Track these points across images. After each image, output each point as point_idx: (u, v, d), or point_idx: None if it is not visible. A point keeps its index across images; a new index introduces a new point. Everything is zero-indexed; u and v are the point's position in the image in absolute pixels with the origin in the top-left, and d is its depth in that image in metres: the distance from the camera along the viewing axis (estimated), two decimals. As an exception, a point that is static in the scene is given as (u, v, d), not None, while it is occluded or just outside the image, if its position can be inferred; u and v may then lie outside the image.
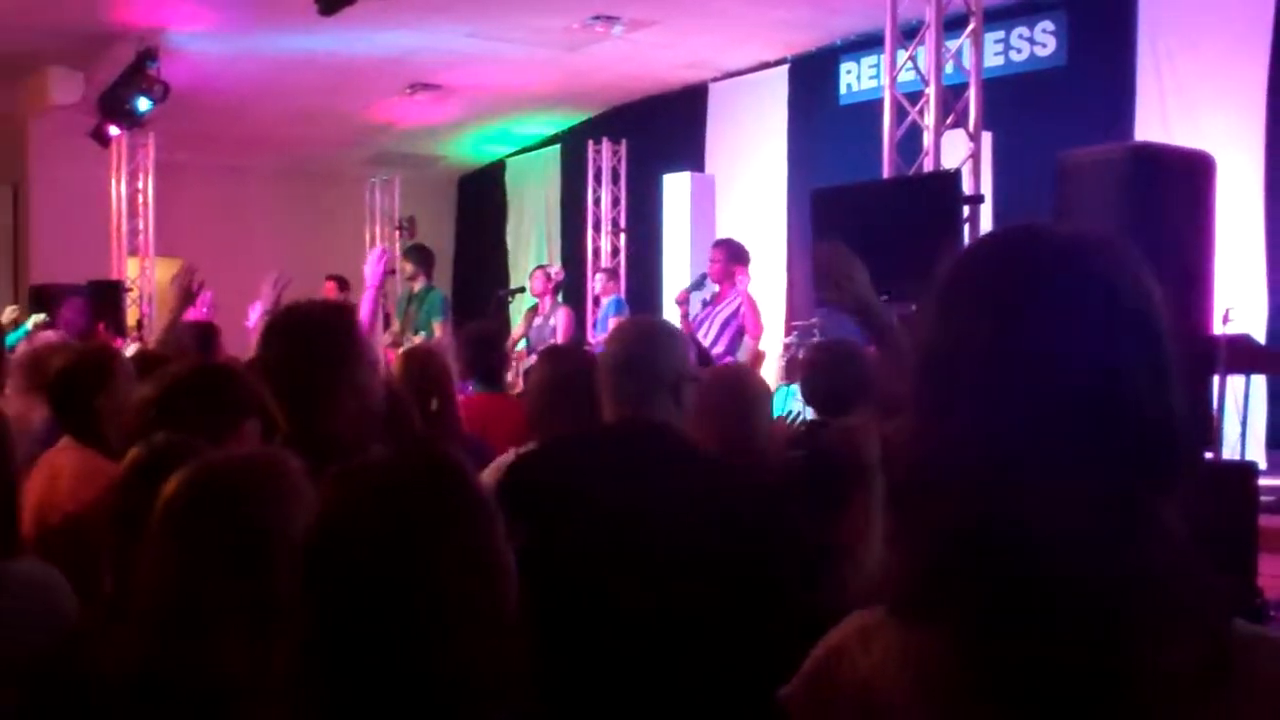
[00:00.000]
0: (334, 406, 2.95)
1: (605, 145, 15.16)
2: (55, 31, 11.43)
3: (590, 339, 12.37)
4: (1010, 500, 1.23)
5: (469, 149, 17.19)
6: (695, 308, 9.11)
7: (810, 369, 4.41)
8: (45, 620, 2.50)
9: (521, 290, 11.58)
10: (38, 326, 8.45)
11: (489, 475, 4.19)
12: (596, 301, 13.20)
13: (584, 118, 15.81)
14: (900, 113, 7.78)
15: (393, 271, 13.33)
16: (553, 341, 10.71)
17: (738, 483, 2.93)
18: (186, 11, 11.00)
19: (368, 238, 16.33)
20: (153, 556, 2.16)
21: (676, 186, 13.02)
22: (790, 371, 11.94)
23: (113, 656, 2.19)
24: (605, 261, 14.92)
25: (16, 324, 8.54)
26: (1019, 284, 1.31)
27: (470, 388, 5.67)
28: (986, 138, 8.01)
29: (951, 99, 7.64)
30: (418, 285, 11.07)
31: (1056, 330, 1.26)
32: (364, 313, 5.92)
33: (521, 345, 10.98)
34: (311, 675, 1.65)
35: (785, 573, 2.68)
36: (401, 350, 5.48)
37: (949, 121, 7.59)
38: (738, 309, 8.82)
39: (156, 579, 2.16)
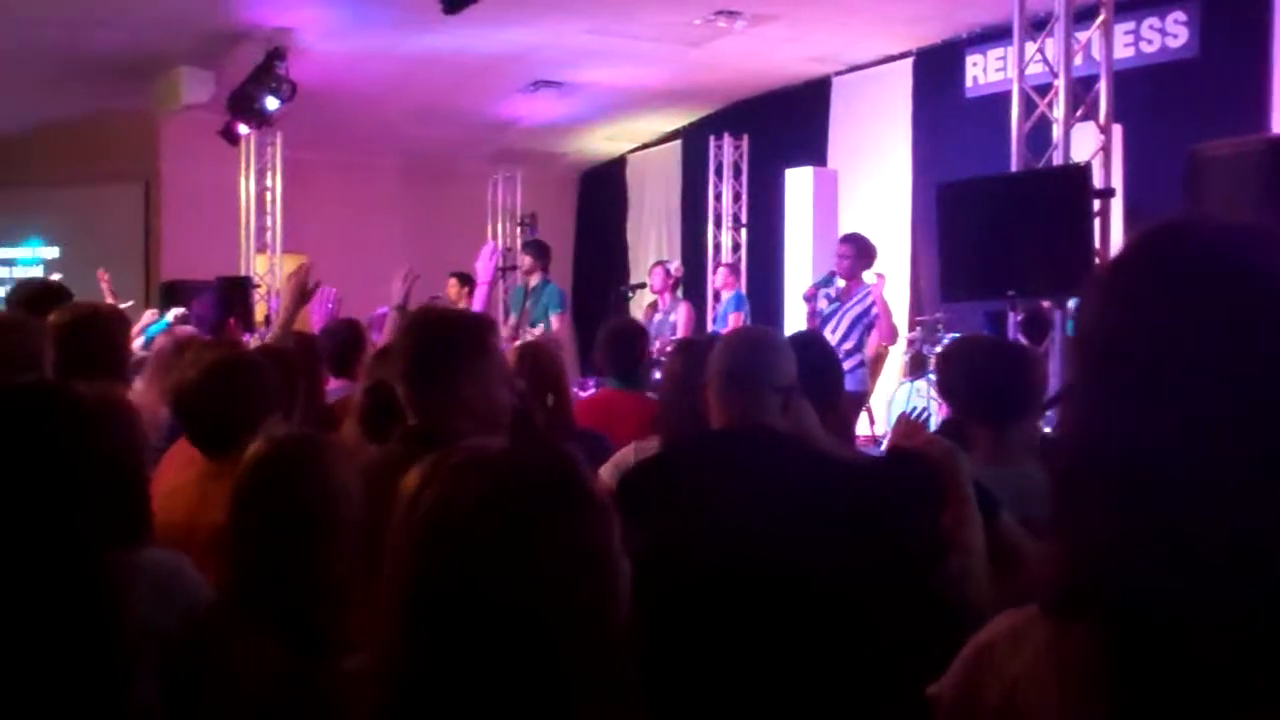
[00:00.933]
0: (461, 403, 2.97)
1: (727, 140, 15.08)
2: (186, 32, 11.64)
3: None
4: (1173, 497, 1.19)
5: (590, 145, 17.22)
6: (822, 304, 8.96)
7: (949, 365, 4.29)
8: (175, 606, 2.52)
9: (641, 286, 11.55)
10: (178, 320, 8.60)
11: (606, 471, 4.18)
12: (717, 297, 13.16)
13: (705, 113, 15.75)
14: (1029, 105, 7.61)
15: (513, 267, 13.43)
16: (673, 337, 10.68)
17: (860, 481, 2.87)
18: (314, 11, 11.14)
19: (489, 234, 16.44)
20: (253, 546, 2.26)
21: (799, 181, 12.89)
22: (914, 367, 11.79)
23: (235, 645, 2.26)
24: (726, 257, 14.86)
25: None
26: (1182, 277, 1.25)
27: (592, 384, 5.63)
28: (1116, 130, 7.80)
29: (1081, 91, 7.47)
30: (534, 279, 11.11)
31: (1221, 325, 1.21)
32: (476, 308, 5.93)
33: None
34: (409, 666, 1.61)
35: (911, 568, 2.61)
36: (515, 344, 5.46)
37: (1079, 114, 7.42)
38: (869, 307, 8.66)
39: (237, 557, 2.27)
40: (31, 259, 15.52)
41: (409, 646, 1.61)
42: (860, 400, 8.79)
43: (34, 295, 5.20)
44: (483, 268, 5.80)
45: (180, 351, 5.06)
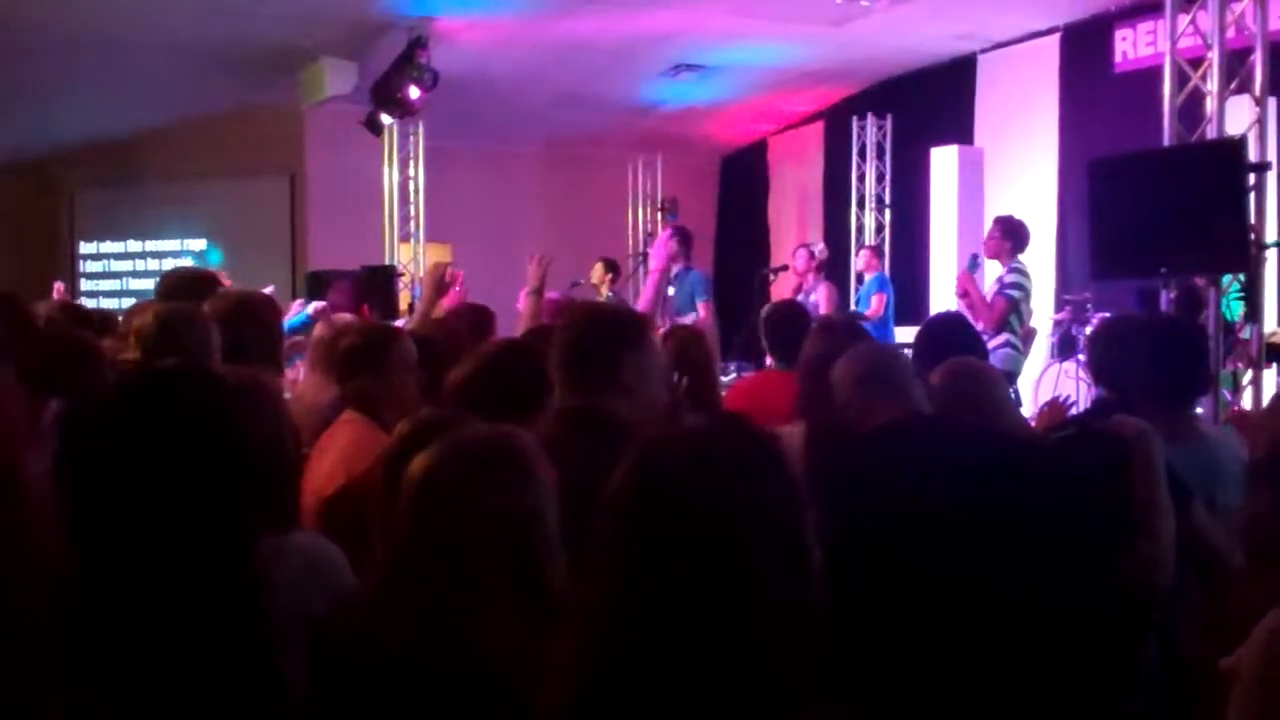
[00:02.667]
0: (617, 388, 2.99)
1: (870, 120, 14.87)
2: (329, 23, 11.80)
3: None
4: None
5: (731, 128, 17.09)
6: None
7: (1112, 346, 4.15)
8: (323, 591, 2.54)
9: (784, 268, 11.45)
10: (317, 313, 8.72)
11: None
12: (859, 279, 12.98)
13: (848, 93, 15.54)
14: (1181, 78, 7.33)
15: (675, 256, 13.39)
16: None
17: (1047, 462, 2.78)
18: (455, 0, 11.19)
19: (630, 219, 16.42)
20: (403, 531, 2.20)
21: (944, 161, 12.65)
22: (1063, 348, 11.51)
23: (381, 632, 2.23)
24: (869, 239, 14.66)
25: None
26: None
27: (734, 368, 5.58)
28: (1272, 103, 7.52)
29: (1235, 63, 7.20)
30: (677, 267, 11.08)
31: None
32: (646, 295, 5.91)
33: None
34: (605, 649, 1.59)
35: (1096, 552, 2.52)
36: (663, 331, 5.43)
37: (1233, 87, 7.16)
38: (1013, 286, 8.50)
39: (411, 553, 2.19)
40: (180, 251, 15.87)
41: (608, 620, 1.59)
42: (1007, 380, 8.61)
43: (184, 284, 5.23)
44: (656, 255, 5.79)
45: (340, 337, 5.13)
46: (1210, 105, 7.07)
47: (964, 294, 8.62)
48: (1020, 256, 8.93)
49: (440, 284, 5.72)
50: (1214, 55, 7.04)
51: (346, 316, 5.65)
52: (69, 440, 2.27)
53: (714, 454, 1.60)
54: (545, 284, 5.98)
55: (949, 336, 4.08)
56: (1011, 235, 8.63)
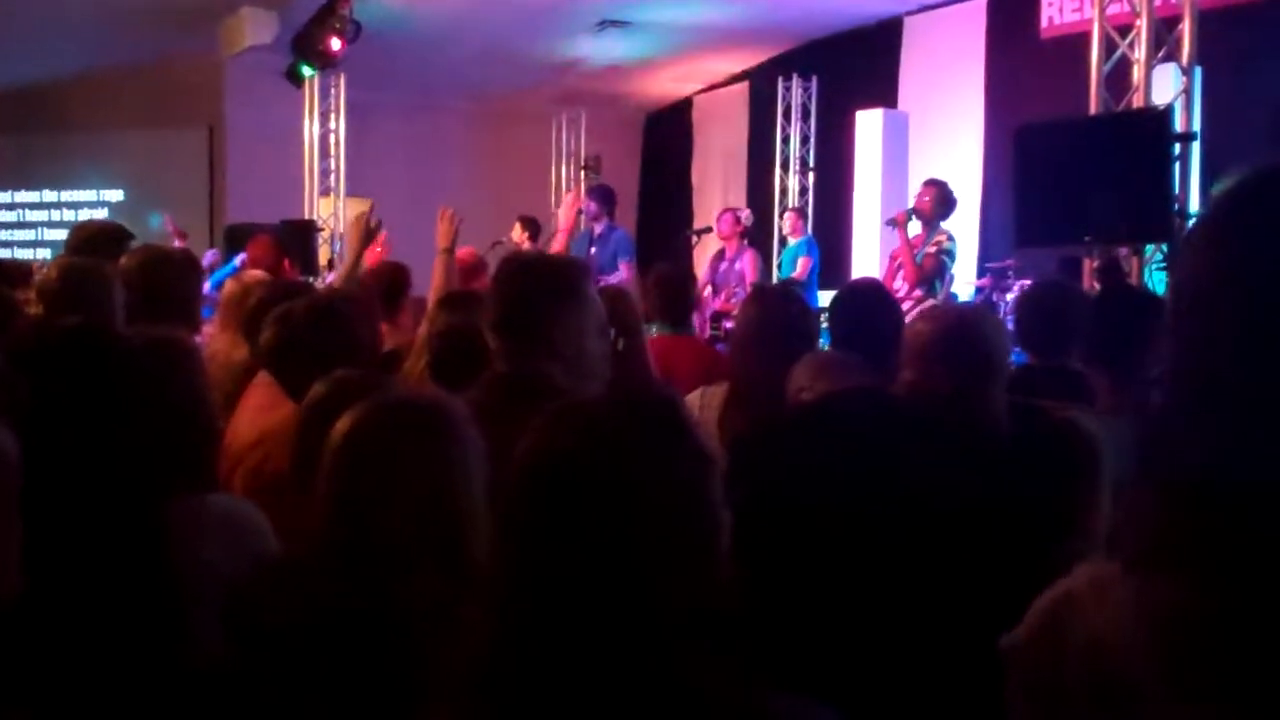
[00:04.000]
0: (551, 349, 2.90)
1: (795, 82, 14.85)
2: (251, -28, 11.57)
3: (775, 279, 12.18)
4: (1266, 446, 1.17)
5: (656, 86, 17.01)
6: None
7: (1023, 309, 4.15)
8: (243, 552, 2.48)
9: (708, 230, 11.39)
10: (242, 265, 8.58)
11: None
12: (783, 242, 12.97)
13: (774, 53, 15.50)
14: (1109, 46, 7.35)
15: (578, 212, 13.29)
16: (737, 287, 10.57)
17: (973, 451, 2.74)
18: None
19: (554, 176, 16.32)
20: (327, 494, 2.16)
21: (868, 124, 12.64)
22: (985, 315, 11.57)
23: (301, 592, 2.19)
24: (793, 201, 14.67)
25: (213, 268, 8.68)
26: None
27: (654, 329, 5.54)
28: (1199, 73, 7.56)
29: (1164, 31, 7.24)
30: (600, 226, 11.00)
31: None
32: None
33: (708, 291, 10.83)
34: (509, 615, 1.59)
35: (1030, 543, 2.49)
36: (598, 289, 5.36)
37: (1160, 55, 7.19)
38: (941, 253, 8.51)
39: (334, 516, 2.16)
40: (95, 202, 15.56)
41: (511, 588, 1.59)
42: None
43: (95, 237, 5.11)
44: (565, 215, 5.70)
45: (247, 294, 5.03)
46: (1137, 74, 7.10)
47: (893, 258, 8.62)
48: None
49: (367, 233, 5.58)
50: (1142, 23, 7.08)
51: (258, 273, 5.50)
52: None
53: (616, 424, 1.59)
54: (458, 241, 5.87)
55: (865, 305, 4.07)
56: (945, 201, 8.63)
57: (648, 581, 1.53)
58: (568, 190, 15.68)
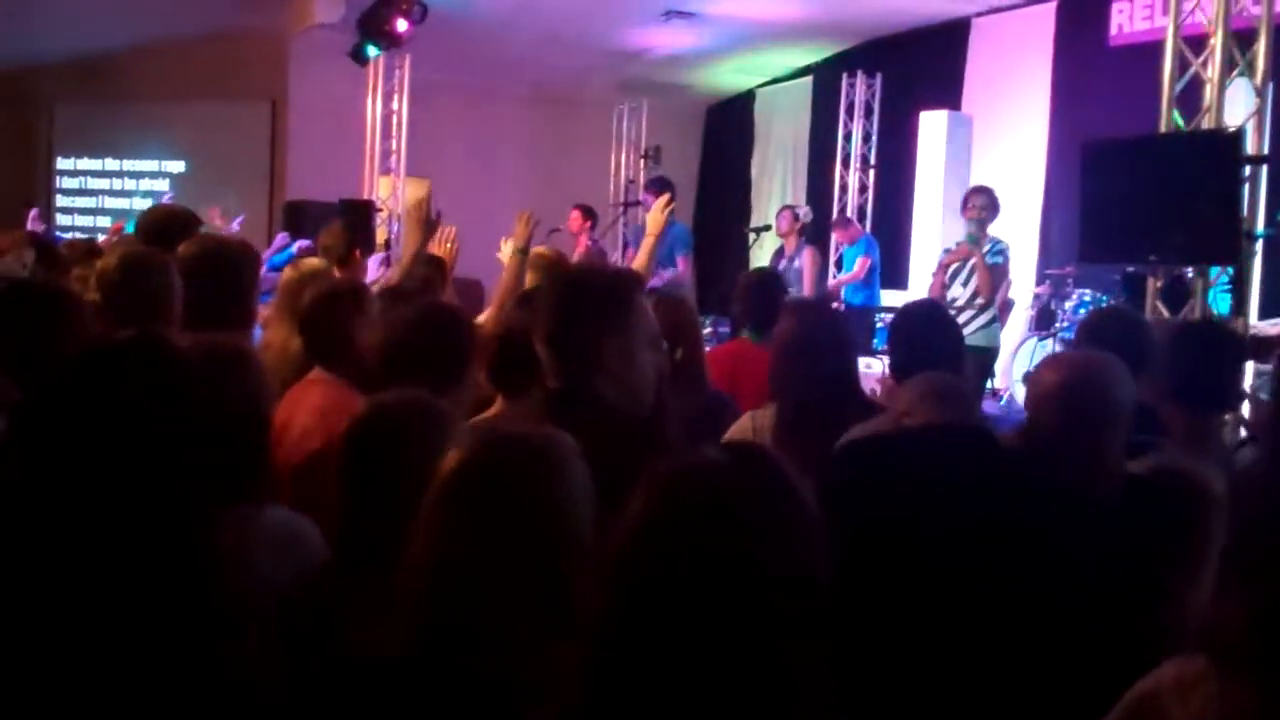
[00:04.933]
0: (601, 366, 2.87)
1: (859, 78, 14.73)
2: (321, -49, 11.61)
3: (833, 278, 12.13)
4: None
5: (719, 78, 16.94)
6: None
7: (1082, 338, 4.08)
8: (295, 566, 2.50)
9: (766, 229, 11.34)
10: (302, 252, 8.60)
11: (732, 435, 4.06)
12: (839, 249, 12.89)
13: (839, 49, 15.39)
14: (1182, 63, 7.19)
15: (636, 203, 13.29)
16: (798, 285, 10.53)
17: (1077, 508, 2.68)
18: (448, -66, 11.02)
19: (613, 164, 16.28)
20: (431, 532, 2.11)
21: (932, 125, 12.52)
22: (1041, 322, 11.47)
23: (379, 627, 2.16)
24: (853, 198, 14.58)
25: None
26: None
27: (744, 333, 5.52)
28: (1270, 90, 7.40)
29: (1239, 45, 7.07)
30: (663, 218, 10.99)
31: None
32: (640, 260, 5.80)
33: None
34: (614, 670, 1.61)
35: (1111, 600, 2.44)
36: (653, 298, 5.33)
37: (1234, 73, 7.04)
38: (1000, 259, 8.44)
39: (434, 556, 2.11)
40: (156, 172, 15.68)
41: (619, 644, 1.60)
42: (990, 356, 8.60)
43: (161, 224, 5.22)
44: (655, 220, 5.65)
45: (304, 285, 5.03)
46: (1209, 93, 6.96)
47: (944, 268, 8.53)
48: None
49: (426, 221, 5.56)
50: (1216, 42, 6.92)
51: (315, 262, 5.49)
52: (18, 422, 2.18)
53: (736, 495, 1.59)
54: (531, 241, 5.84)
55: (923, 329, 4.03)
56: (995, 206, 8.55)
57: (759, 649, 1.54)
58: (630, 180, 15.65)
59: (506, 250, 5.72)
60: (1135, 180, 6.62)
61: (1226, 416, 3.71)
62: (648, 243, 5.79)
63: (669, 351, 4.32)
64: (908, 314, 4.34)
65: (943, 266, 8.52)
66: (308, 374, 4.06)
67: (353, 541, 2.43)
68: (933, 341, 3.81)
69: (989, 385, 10.29)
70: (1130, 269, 7.79)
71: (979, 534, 2.48)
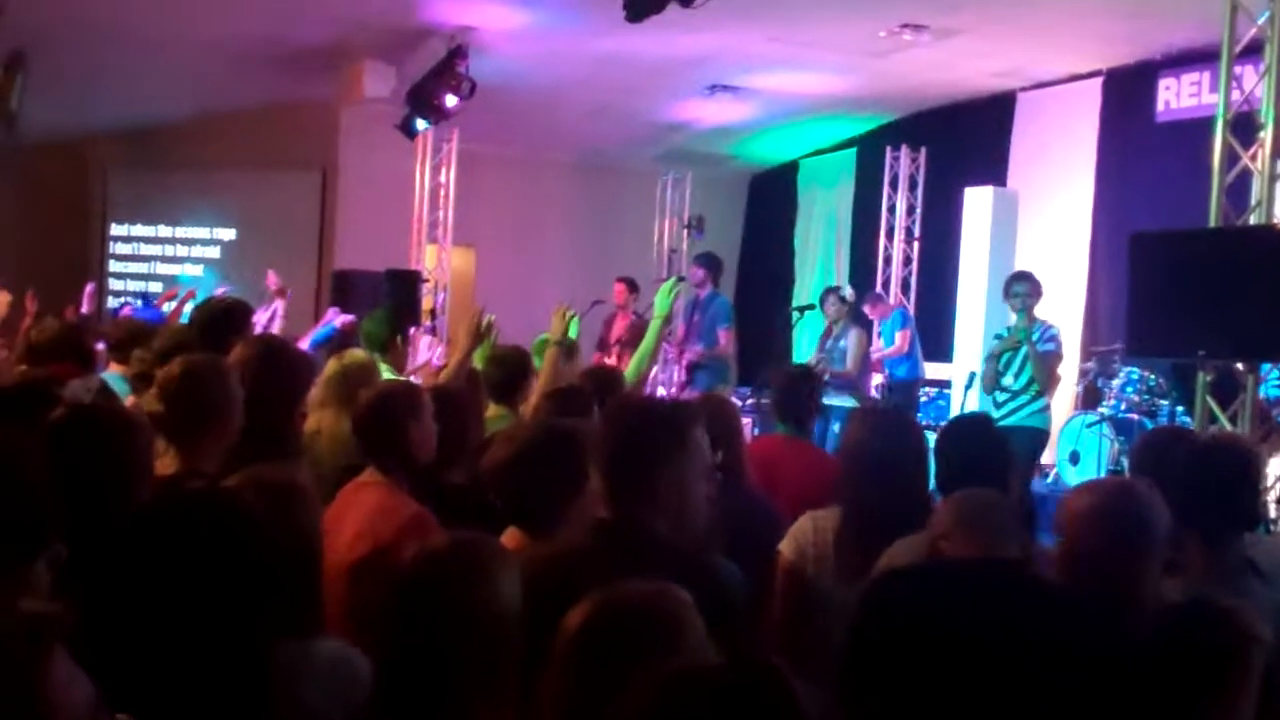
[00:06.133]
0: (654, 499, 2.91)
1: (904, 151, 14.79)
2: (373, 28, 11.80)
3: (874, 353, 12.13)
4: None
5: (762, 149, 17.04)
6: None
7: (1140, 457, 4.06)
8: (344, 704, 2.52)
9: (810, 308, 11.38)
10: (345, 326, 8.67)
11: (787, 546, 4.07)
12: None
13: (883, 121, 15.46)
14: (1231, 157, 7.16)
15: (681, 277, 13.34)
16: (842, 365, 10.57)
17: (1118, 647, 2.68)
18: (497, 12, 11.16)
19: (656, 233, 16.38)
20: (558, 690, 2.15)
21: (978, 201, 12.52)
22: (1088, 400, 11.43)
23: None
24: (897, 270, 14.61)
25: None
26: None
27: (778, 429, 5.56)
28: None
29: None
30: (704, 292, 11.11)
31: None
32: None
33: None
34: None
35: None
36: (699, 396, 5.39)
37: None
38: (1051, 344, 8.45)
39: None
40: (208, 240, 15.89)
41: None
42: (1043, 437, 8.60)
43: (216, 319, 5.44)
44: (659, 303, 5.74)
45: (349, 375, 5.12)
46: (1258, 187, 6.95)
47: (995, 357, 8.53)
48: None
49: (477, 332, 5.66)
50: (1266, 135, 6.91)
51: (359, 354, 5.57)
52: (84, 563, 2.24)
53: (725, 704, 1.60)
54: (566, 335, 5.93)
55: (974, 444, 4.03)
56: (1039, 291, 8.56)
57: None
58: (673, 250, 15.73)
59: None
60: (1184, 273, 6.61)
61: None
62: (654, 325, 5.88)
63: (710, 451, 4.37)
64: (956, 430, 4.35)
65: (994, 356, 8.52)
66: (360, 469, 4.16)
67: (399, 680, 2.45)
68: (980, 459, 3.82)
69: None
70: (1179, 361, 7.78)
71: (1008, 683, 2.49)
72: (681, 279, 10.26)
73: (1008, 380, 8.38)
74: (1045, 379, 8.33)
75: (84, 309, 8.79)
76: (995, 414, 8.50)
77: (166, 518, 2.31)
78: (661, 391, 13.11)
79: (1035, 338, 8.34)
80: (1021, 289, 8.48)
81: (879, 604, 3.04)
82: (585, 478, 3.28)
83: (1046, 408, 8.45)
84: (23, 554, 2.17)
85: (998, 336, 8.81)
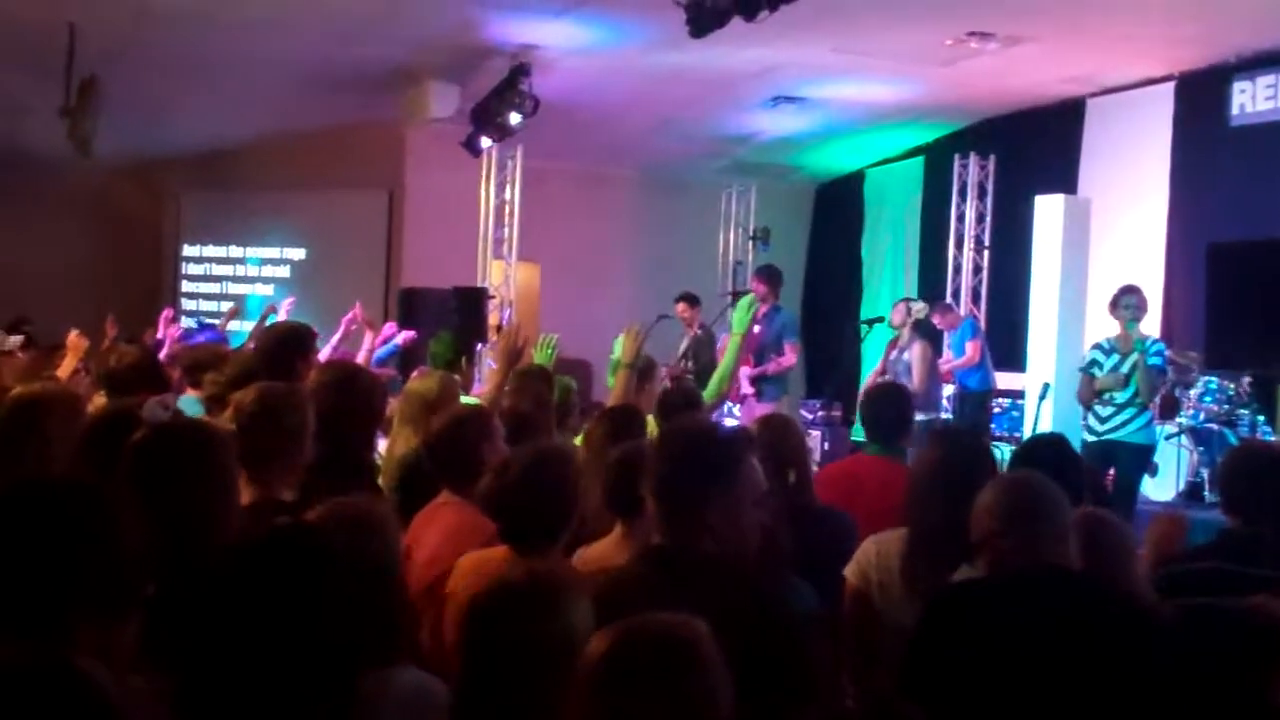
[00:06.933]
0: (706, 525, 2.95)
1: (972, 159, 14.62)
2: (437, 48, 11.86)
3: (944, 364, 12.03)
4: None
5: (828, 159, 16.94)
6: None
7: (1230, 473, 4.00)
8: None
9: (879, 320, 11.31)
10: (407, 342, 8.72)
11: (851, 571, 4.04)
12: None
13: (951, 129, 15.33)
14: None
15: (745, 291, 13.32)
16: (907, 378, 10.49)
17: (1178, 641, 2.69)
18: (560, 30, 11.17)
19: (721, 245, 16.34)
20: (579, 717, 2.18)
21: (1049, 209, 12.35)
22: (1165, 410, 11.26)
23: None
24: (966, 279, 14.46)
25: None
26: None
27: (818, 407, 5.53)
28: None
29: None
30: (765, 306, 11.05)
31: None
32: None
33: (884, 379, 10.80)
34: None
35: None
36: (760, 417, 5.36)
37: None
38: (1157, 357, 8.37)
39: None
40: (278, 259, 16.05)
41: None
42: (1150, 451, 8.51)
43: (285, 339, 5.51)
44: (738, 320, 5.74)
45: (423, 398, 5.12)
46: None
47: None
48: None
49: (514, 351, 5.67)
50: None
51: (430, 380, 5.59)
52: (169, 610, 2.26)
53: None
54: (640, 356, 5.91)
55: (1049, 466, 3.99)
56: (1145, 305, 8.48)
57: None
58: (738, 262, 15.68)
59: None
60: (1264, 283, 6.51)
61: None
62: (733, 342, 5.85)
63: (781, 474, 4.34)
64: (1031, 450, 4.31)
65: (1092, 367, 8.47)
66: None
67: (475, 709, 2.46)
68: (1059, 479, 3.78)
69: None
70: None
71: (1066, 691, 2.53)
72: (780, 285, 10.24)
73: (1113, 393, 8.30)
74: (1151, 393, 8.24)
75: (160, 334, 8.87)
76: (1098, 428, 8.40)
77: (259, 555, 2.35)
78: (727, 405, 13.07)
79: (1145, 352, 8.24)
80: (1131, 301, 8.41)
81: (940, 617, 3.09)
82: (577, 500, 3.55)
83: (1151, 422, 8.36)
84: (118, 615, 2.18)
85: (1098, 347, 8.69)
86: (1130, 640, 2.77)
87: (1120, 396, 8.24)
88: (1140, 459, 8.16)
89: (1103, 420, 8.27)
